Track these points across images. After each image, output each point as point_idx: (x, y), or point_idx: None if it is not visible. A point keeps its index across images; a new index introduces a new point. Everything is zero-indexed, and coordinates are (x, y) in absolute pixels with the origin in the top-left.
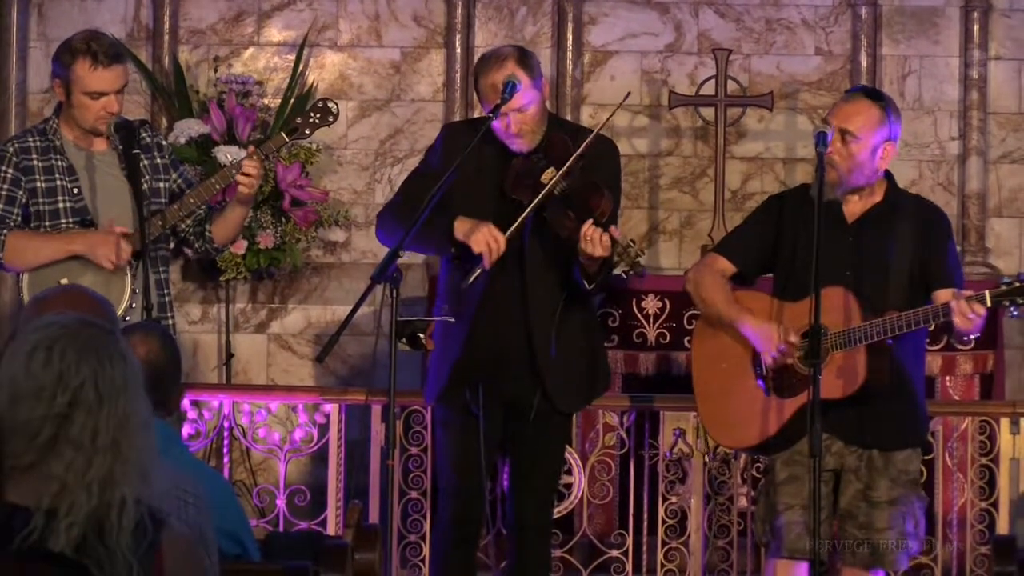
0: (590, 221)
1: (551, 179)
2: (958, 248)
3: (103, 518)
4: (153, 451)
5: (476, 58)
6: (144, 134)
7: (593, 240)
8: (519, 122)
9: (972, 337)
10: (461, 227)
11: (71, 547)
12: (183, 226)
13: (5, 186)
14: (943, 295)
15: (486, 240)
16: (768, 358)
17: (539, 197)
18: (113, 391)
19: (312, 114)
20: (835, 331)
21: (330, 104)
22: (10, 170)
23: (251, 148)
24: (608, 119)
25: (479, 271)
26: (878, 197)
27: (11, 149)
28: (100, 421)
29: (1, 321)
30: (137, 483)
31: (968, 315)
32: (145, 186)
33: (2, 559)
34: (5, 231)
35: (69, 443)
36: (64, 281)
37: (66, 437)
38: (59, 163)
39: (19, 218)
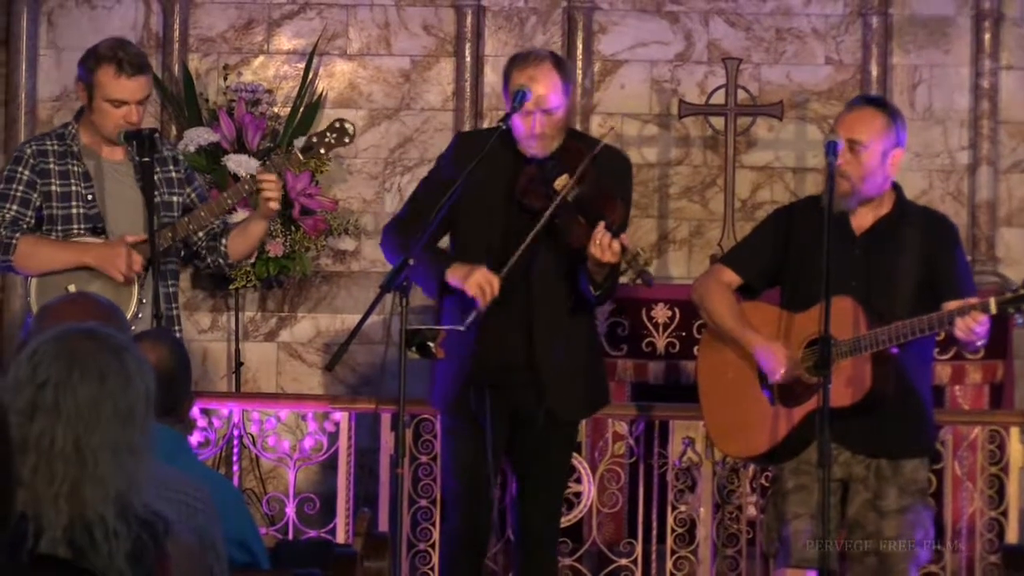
0: (602, 225)
1: (564, 185)
2: (968, 258)
3: (90, 535)
4: (140, 479)
5: (485, 67)
6: (161, 146)
7: (603, 245)
8: (543, 124)
9: (980, 345)
10: (455, 273)
11: (68, 557)
12: (195, 239)
13: (20, 188)
14: (953, 306)
15: (479, 283)
16: (776, 377)
17: (554, 203)
18: (72, 404)
19: (328, 134)
20: (841, 340)
21: (347, 125)
22: (26, 172)
23: (259, 169)
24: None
25: (475, 313)
26: (886, 208)
27: (28, 151)
28: (57, 428)
29: (10, 328)
30: (115, 508)
31: (973, 328)
32: (158, 199)
33: (17, 565)
34: (18, 234)
35: (32, 446)
36: (72, 288)
37: (30, 439)
38: (75, 168)
39: (32, 221)
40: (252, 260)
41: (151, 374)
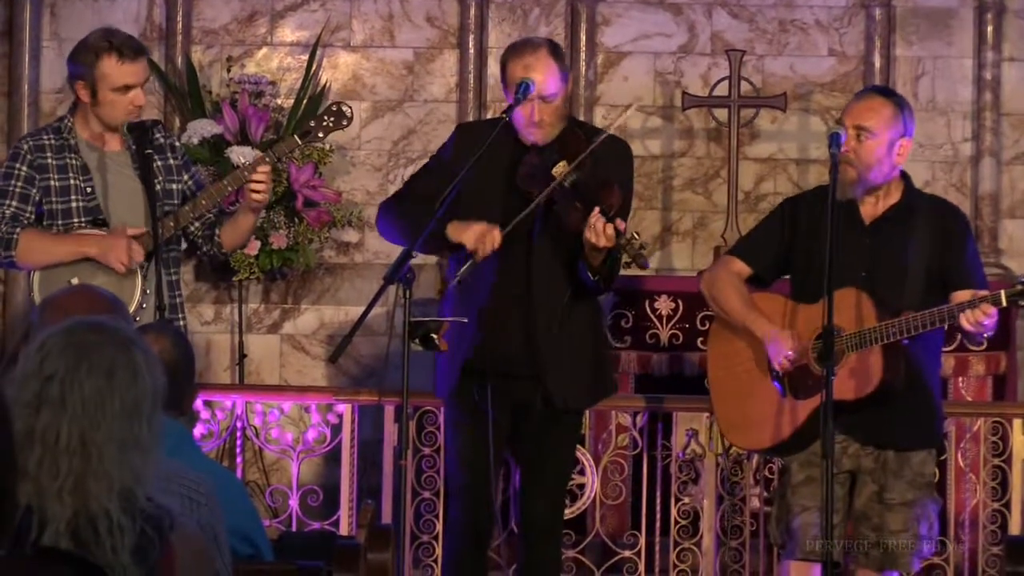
0: (597, 210)
1: (562, 171)
2: None
3: (94, 529)
4: (146, 474)
5: (489, 59)
6: (157, 135)
7: (597, 229)
8: (542, 111)
9: (985, 336)
10: (455, 228)
11: (71, 550)
12: (192, 228)
13: (19, 184)
14: (962, 296)
15: (476, 236)
16: (776, 364)
17: (549, 188)
18: (79, 398)
19: (326, 117)
20: (849, 332)
21: (344, 108)
22: (24, 168)
23: (259, 155)
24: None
25: (469, 263)
26: (895, 198)
27: (26, 147)
28: (62, 423)
29: (13, 321)
30: (120, 502)
31: (981, 320)
32: (158, 187)
33: (19, 557)
34: (19, 229)
35: (37, 439)
36: (75, 281)
37: (35, 432)
38: (73, 162)
39: (32, 216)
40: (255, 252)
41: (160, 369)
